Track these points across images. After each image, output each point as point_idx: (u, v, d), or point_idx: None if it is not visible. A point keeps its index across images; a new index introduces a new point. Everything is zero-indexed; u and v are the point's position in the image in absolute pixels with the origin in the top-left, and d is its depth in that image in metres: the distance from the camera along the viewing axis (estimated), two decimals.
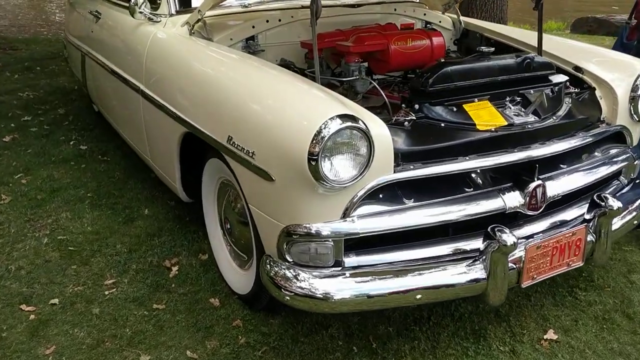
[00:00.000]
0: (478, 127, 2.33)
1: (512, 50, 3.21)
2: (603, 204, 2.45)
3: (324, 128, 1.97)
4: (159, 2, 3.36)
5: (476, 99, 2.43)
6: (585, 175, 2.61)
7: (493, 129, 2.33)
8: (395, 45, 2.76)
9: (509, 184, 2.40)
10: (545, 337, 2.58)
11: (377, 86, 2.57)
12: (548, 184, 2.44)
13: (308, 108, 2.12)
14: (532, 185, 2.37)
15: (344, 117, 2.00)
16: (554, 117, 2.51)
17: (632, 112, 2.73)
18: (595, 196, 2.50)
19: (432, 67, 2.43)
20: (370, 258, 2.24)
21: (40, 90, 6.65)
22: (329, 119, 1.97)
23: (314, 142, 1.96)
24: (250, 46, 3.06)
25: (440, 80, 2.36)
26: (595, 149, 2.77)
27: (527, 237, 2.41)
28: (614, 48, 4.19)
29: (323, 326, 2.64)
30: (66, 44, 5.83)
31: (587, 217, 2.52)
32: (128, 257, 3.22)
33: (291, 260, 2.20)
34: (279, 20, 3.12)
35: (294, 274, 2.17)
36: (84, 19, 4.70)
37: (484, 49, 2.59)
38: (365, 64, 2.80)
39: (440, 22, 3.66)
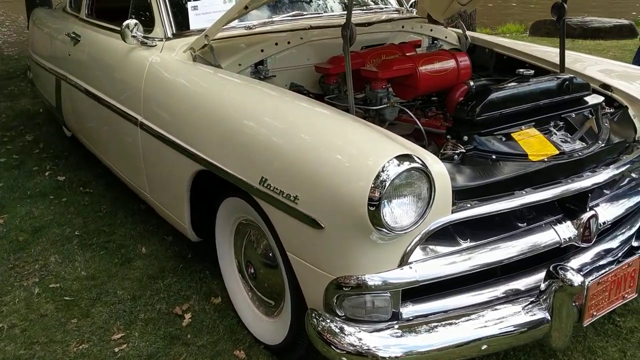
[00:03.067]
0: (530, 157, 2.18)
1: (529, 67, 3.10)
2: None
3: (384, 171, 1.77)
4: (152, 25, 3.10)
5: (523, 127, 2.28)
6: (629, 199, 2.50)
7: (545, 159, 2.19)
8: (423, 68, 2.59)
9: (559, 216, 2.26)
10: None
11: (411, 114, 2.40)
12: (601, 210, 2.31)
13: (361, 148, 1.91)
14: (585, 216, 2.24)
15: (402, 157, 1.81)
16: (600, 142, 2.38)
17: None
18: None
19: (476, 94, 2.26)
20: (426, 306, 2.06)
21: (2, 114, 6.22)
22: (388, 160, 1.78)
23: (374, 186, 1.76)
24: (260, 71, 2.84)
25: (487, 108, 2.20)
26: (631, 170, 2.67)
27: (578, 270, 2.29)
28: (634, 62, 4.18)
29: None
30: (31, 65, 5.46)
31: (636, 244, 2.41)
32: (133, 305, 2.94)
33: (342, 314, 2.00)
34: (288, 42, 2.91)
35: (342, 328, 1.97)
36: (57, 40, 4.36)
37: (524, 71, 2.44)
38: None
39: (446, 37, 3.52)
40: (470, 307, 2.10)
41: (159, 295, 3.01)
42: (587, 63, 3.05)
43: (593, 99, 2.56)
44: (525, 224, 2.20)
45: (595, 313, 2.22)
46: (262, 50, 2.83)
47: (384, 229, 1.81)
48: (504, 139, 2.22)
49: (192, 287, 3.08)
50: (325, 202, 1.90)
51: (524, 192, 2.10)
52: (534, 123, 2.32)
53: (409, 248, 1.93)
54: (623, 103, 2.69)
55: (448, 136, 2.23)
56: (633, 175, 2.63)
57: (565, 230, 2.22)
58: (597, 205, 2.36)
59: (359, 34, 3.11)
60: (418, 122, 2.39)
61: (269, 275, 2.49)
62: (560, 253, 2.31)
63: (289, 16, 3.16)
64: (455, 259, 2.01)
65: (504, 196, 2.07)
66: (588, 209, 2.25)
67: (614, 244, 2.47)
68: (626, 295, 2.32)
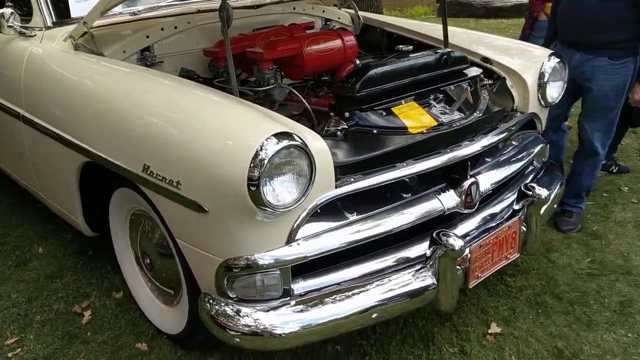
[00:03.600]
0: (410, 130, 2.25)
1: (416, 45, 3.20)
2: (531, 193, 2.48)
3: (262, 150, 1.78)
4: (30, 14, 2.94)
5: (403, 101, 2.35)
6: (510, 166, 2.63)
7: (424, 131, 2.26)
8: (309, 48, 2.61)
9: (443, 185, 2.36)
10: (489, 331, 2.58)
11: (297, 94, 2.41)
12: (479, 179, 2.43)
13: (240, 128, 1.91)
14: (467, 183, 2.34)
15: (281, 135, 1.82)
16: (477, 112, 2.49)
17: (540, 99, 2.80)
18: (522, 186, 2.52)
19: (356, 71, 2.31)
20: (318, 281, 2.10)
21: None
22: (266, 139, 1.79)
23: (253, 166, 1.77)
24: (147, 58, 2.77)
25: (366, 85, 2.25)
26: (510, 138, 2.81)
27: (464, 236, 2.40)
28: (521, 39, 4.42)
29: (267, 355, 2.46)
30: None
31: (517, 207, 2.54)
32: (28, 307, 2.82)
33: (234, 296, 2.00)
34: (175, 27, 2.85)
35: (238, 310, 1.98)
36: None
37: (403, 47, 2.51)
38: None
39: (339, 18, 3.56)
40: (362, 278, 2.16)
41: (56, 295, 2.90)
42: (471, 38, 3.17)
43: (472, 72, 2.67)
44: (410, 194, 2.28)
45: (480, 275, 2.34)
46: (147, 37, 2.76)
47: (266, 208, 1.82)
48: (384, 113, 2.28)
49: (92, 283, 2.99)
50: (206, 185, 1.89)
51: (405, 164, 2.18)
52: (414, 97, 2.39)
53: (295, 225, 1.96)
54: (501, 75, 2.83)
55: (331, 113, 2.26)
56: (514, 143, 2.77)
57: (448, 199, 2.32)
58: (479, 173, 2.47)
59: (249, 17, 3.14)
60: (305, 101, 2.40)
61: (165, 265, 2.46)
62: (447, 220, 2.41)
63: (177, 1, 3.09)
64: (342, 232, 2.05)
65: (386, 169, 2.14)
66: (469, 177, 2.35)
67: (498, 208, 2.59)
68: (509, 256, 2.45)
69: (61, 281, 3.01)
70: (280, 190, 1.84)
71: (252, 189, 1.78)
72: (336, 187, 2.01)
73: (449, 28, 3.22)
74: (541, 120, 2.88)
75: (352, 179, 2.06)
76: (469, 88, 2.57)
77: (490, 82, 2.78)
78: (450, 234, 2.15)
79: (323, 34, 2.80)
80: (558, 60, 2.81)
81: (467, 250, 2.22)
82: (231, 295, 2.00)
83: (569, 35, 3.25)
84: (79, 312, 2.78)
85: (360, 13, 3.62)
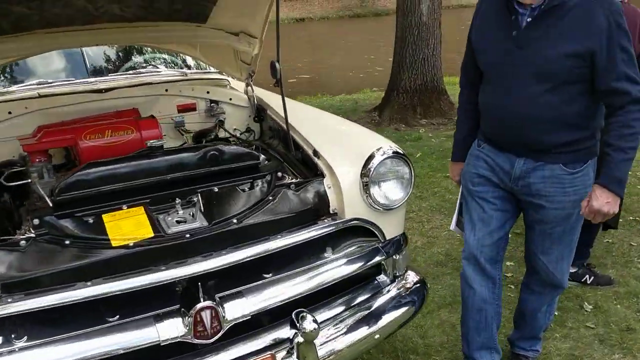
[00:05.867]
0: (113, 242, 1.90)
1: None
2: (299, 324, 1.99)
3: None
4: None
5: (125, 206, 2.01)
6: (304, 283, 2.15)
7: (130, 244, 1.90)
8: (87, 140, 2.38)
9: (174, 308, 1.96)
10: None
11: (41, 192, 2.15)
12: (236, 302, 1.98)
13: None
14: (197, 307, 1.92)
15: None
16: (236, 220, 2.07)
17: (372, 201, 2.30)
18: (293, 314, 2.03)
19: (68, 172, 2.02)
20: None
21: None
22: None
23: None
24: None
25: (72, 188, 1.96)
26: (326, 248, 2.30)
27: None
28: None
29: None
30: None
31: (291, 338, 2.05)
32: None
33: None
34: (9, 112, 2.77)
35: None
36: None
37: (154, 142, 2.19)
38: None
39: (231, 99, 3.29)
40: None
41: None
42: (319, 126, 2.74)
43: (265, 168, 2.27)
44: (118, 317, 1.91)
45: None
46: None
47: None
48: (90, 221, 1.96)
49: None
50: None
51: (90, 284, 1.82)
52: (149, 200, 2.05)
53: None
54: (324, 172, 2.37)
55: (28, 217, 1.98)
56: (326, 255, 2.27)
57: (171, 327, 1.90)
58: (239, 293, 2.03)
59: (102, 100, 2.99)
60: (48, 200, 2.12)
61: None
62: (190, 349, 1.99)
63: (32, 84, 3.02)
64: None
65: (61, 289, 1.80)
66: (202, 300, 1.93)
67: (282, 334, 2.12)
68: None
69: None
70: None
71: None
72: None
73: (308, 109, 2.85)
74: (379, 226, 2.36)
75: (10, 300, 1.76)
76: (246, 190, 2.17)
77: (293, 181, 2.33)
78: None
79: (114, 123, 2.53)
80: (392, 153, 2.31)
81: None
82: None
83: (504, 135, 2.28)
84: None
85: (260, 91, 3.33)
